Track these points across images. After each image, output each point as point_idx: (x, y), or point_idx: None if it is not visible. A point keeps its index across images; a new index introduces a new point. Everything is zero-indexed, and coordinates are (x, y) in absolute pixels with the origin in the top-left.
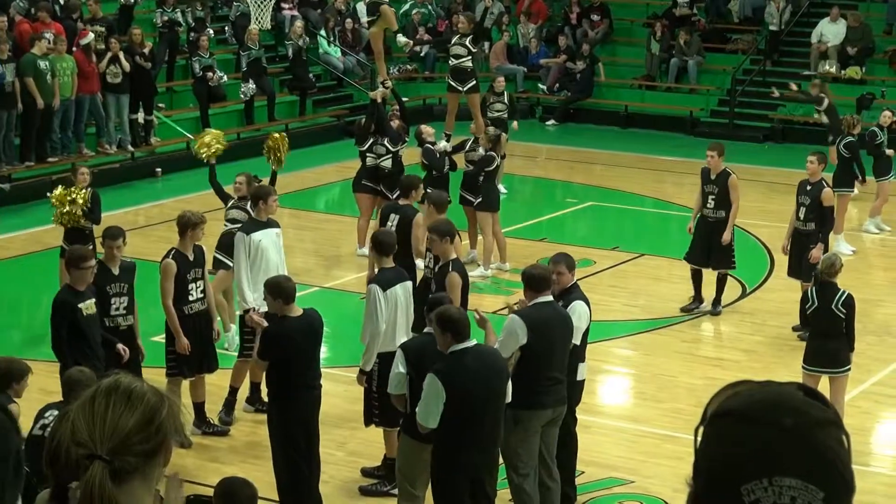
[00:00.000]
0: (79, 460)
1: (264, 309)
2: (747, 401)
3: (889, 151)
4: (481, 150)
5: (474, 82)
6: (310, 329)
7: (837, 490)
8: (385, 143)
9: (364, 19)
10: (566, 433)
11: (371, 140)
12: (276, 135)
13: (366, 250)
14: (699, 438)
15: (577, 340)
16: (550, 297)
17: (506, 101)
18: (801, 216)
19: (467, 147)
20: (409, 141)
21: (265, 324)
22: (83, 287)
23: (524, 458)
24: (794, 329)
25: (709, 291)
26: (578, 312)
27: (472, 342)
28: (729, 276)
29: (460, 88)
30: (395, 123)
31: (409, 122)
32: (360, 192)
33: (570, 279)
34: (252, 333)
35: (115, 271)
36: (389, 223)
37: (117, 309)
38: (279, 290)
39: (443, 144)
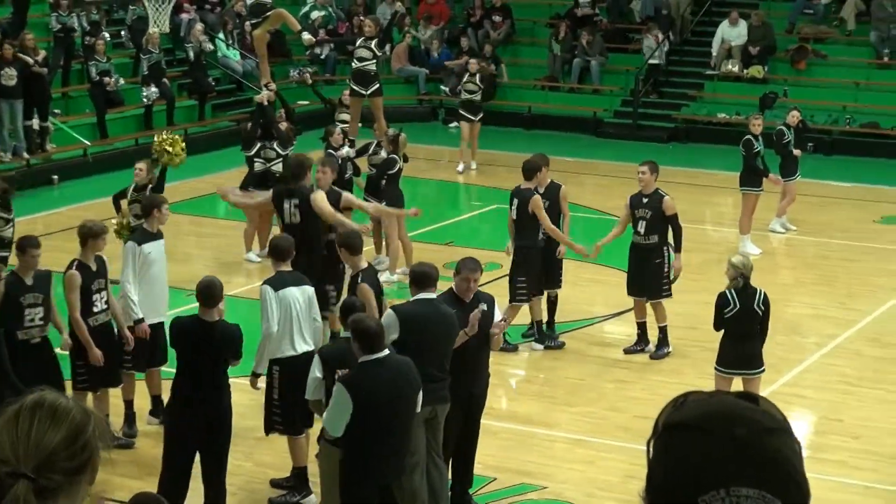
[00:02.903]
0: (2, 478)
1: (156, 319)
2: (698, 412)
3: (796, 151)
4: (383, 153)
5: (378, 85)
6: (225, 334)
7: (793, 498)
8: (275, 146)
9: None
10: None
11: (258, 145)
12: (157, 138)
13: (253, 255)
14: (651, 451)
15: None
16: (433, 295)
17: (478, 81)
18: (642, 230)
19: (370, 150)
20: (296, 144)
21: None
22: None
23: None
24: (626, 351)
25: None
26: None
27: (385, 352)
28: None
29: (363, 92)
30: (283, 126)
31: (296, 123)
32: None
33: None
34: (135, 346)
35: (29, 281)
36: (287, 206)
37: (31, 321)
38: (206, 292)
39: (346, 150)
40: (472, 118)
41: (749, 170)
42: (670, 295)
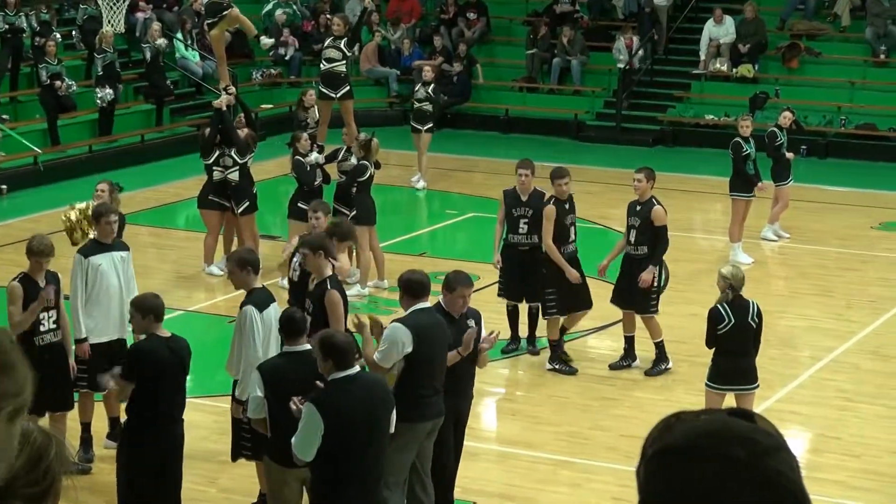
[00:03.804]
0: None
1: (108, 337)
2: (692, 434)
3: (789, 155)
4: (353, 160)
5: (348, 88)
6: (178, 352)
7: None
8: (232, 154)
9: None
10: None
11: (217, 152)
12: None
13: (214, 268)
14: (643, 478)
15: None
16: (428, 304)
17: (430, 92)
18: (632, 239)
19: (340, 156)
20: (256, 152)
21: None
22: None
23: (395, 471)
24: (612, 367)
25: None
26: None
27: (356, 369)
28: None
29: (333, 95)
30: (242, 132)
31: (257, 130)
32: (207, 209)
33: None
34: (86, 364)
35: None
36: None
37: None
38: (147, 306)
39: (314, 156)
40: (420, 128)
41: (738, 174)
42: (656, 311)
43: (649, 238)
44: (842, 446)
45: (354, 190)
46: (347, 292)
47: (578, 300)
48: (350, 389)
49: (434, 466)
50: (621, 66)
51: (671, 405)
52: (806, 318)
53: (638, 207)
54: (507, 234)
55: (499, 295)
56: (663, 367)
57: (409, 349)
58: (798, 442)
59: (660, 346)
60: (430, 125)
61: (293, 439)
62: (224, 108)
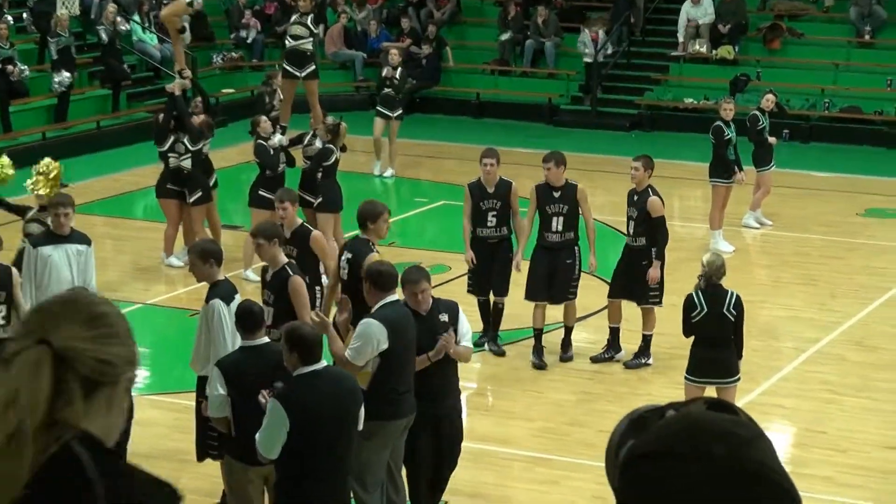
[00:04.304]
0: (29, 347)
1: None
2: (665, 435)
3: (772, 140)
4: (318, 143)
5: (313, 67)
6: None
7: None
8: (185, 141)
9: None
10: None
11: (172, 139)
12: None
13: (174, 260)
14: (619, 485)
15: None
16: (396, 296)
17: (397, 77)
18: (631, 231)
19: (305, 141)
20: (213, 138)
21: None
22: None
23: (374, 471)
24: (594, 360)
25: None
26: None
27: (322, 364)
28: (602, 280)
29: (298, 74)
30: (199, 119)
31: (217, 115)
32: (165, 199)
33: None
34: None
35: None
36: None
37: None
38: None
39: (277, 139)
40: (389, 114)
41: (719, 160)
42: (660, 303)
43: (647, 229)
44: (828, 441)
45: (320, 175)
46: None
47: (537, 289)
48: (316, 384)
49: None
50: (587, 59)
51: (651, 399)
52: (789, 307)
53: (635, 197)
54: (474, 228)
55: (468, 291)
56: (644, 360)
57: (385, 345)
58: (783, 437)
59: (646, 340)
60: (401, 111)
61: (257, 436)
62: (178, 94)
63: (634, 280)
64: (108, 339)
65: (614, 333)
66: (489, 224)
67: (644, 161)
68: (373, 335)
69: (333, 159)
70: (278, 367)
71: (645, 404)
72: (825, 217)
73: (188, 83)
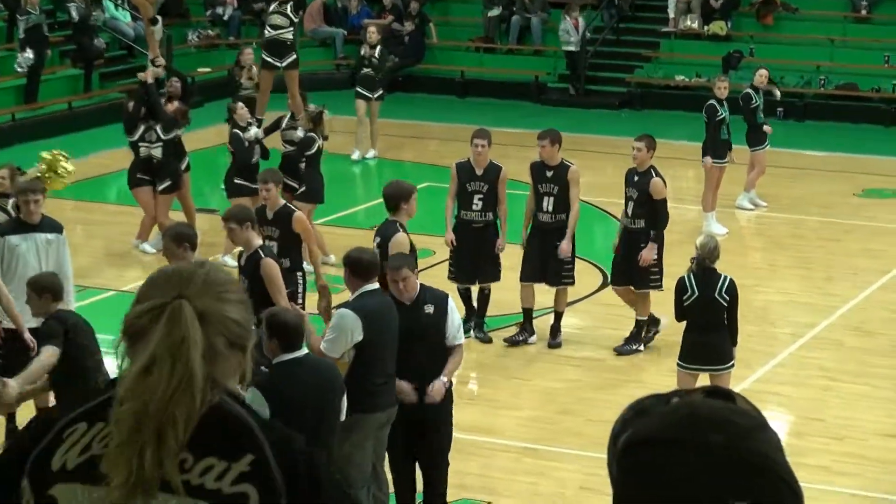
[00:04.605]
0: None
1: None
2: (664, 422)
3: (766, 128)
4: (300, 132)
5: (294, 56)
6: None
7: (785, 501)
8: (157, 129)
9: None
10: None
11: (142, 128)
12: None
13: (147, 246)
14: (616, 474)
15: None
16: (376, 285)
17: (376, 54)
18: (630, 212)
19: (283, 125)
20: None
21: None
22: None
23: (357, 466)
24: (619, 352)
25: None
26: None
27: (304, 352)
28: (590, 264)
29: (278, 64)
30: (173, 106)
31: (193, 95)
32: (138, 188)
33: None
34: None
35: None
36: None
37: None
38: (43, 286)
39: (254, 131)
40: (369, 95)
41: (712, 140)
42: (660, 287)
43: (648, 211)
44: (825, 429)
45: (303, 164)
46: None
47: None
48: (297, 373)
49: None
50: (571, 48)
51: (642, 387)
52: (784, 292)
53: (636, 178)
54: (458, 210)
55: (449, 278)
56: (635, 347)
57: (360, 337)
58: (779, 425)
59: (639, 326)
60: (381, 92)
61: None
62: (150, 82)
63: (633, 264)
64: (237, 304)
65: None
66: (474, 207)
67: (647, 141)
68: (346, 326)
69: (316, 148)
70: (261, 357)
71: (649, 393)
72: (821, 198)
73: (161, 71)
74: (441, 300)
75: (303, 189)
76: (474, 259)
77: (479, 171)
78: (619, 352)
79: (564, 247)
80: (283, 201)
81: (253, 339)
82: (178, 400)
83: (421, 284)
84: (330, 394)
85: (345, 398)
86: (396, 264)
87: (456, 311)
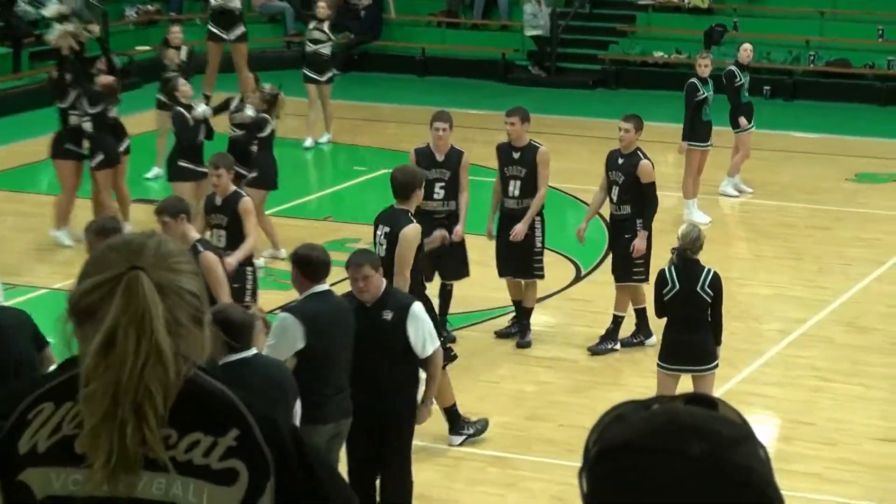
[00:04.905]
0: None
1: None
2: (640, 428)
3: (743, 121)
4: (249, 111)
5: (242, 29)
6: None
7: None
8: (84, 101)
9: None
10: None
11: (73, 94)
12: None
13: (62, 236)
14: (585, 485)
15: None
16: (327, 286)
17: (326, 29)
18: (615, 197)
19: (232, 107)
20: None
21: None
22: None
23: None
24: (623, 343)
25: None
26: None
27: (252, 352)
28: (562, 256)
29: (225, 36)
30: (104, 79)
31: (130, 76)
32: (62, 159)
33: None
34: None
35: None
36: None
37: None
38: None
39: (201, 109)
40: (318, 78)
41: (692, 121)
42: (645, 279)
43: (634, 196)
44: (815, 433)
45: (255, 147)
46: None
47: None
48: (244, 374)
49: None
50: (538, 32)
51: (620, 390)
52: (772, 285)
53: (621, 160)
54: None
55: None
56: (610, 346)
57: (302, 345)
58: (766, 429)
59: (616, 322)
60: (331, 74)
61: None
62: (66, 53)
63: (617, 254)
64: (191, 275)
65: (640, 315)
66: (436, 196)
67: (635, 121)
68: (286, 332)
69: (269, 130)
70: None
71: (627, 399)
72: (811, 183)
73: (71, 34)
74: (402, 307)
75: (254, 174)
76: (435, 254)
77: (439, 157)
78: (594, 351)
79: (518, 228)
80: (233, 188)
81: (209, 314)
82: (149, 374)
83: (388, 287)
84: (280, 397)
85: (298, 402)
86: (358, 261)
87: (422, 319)
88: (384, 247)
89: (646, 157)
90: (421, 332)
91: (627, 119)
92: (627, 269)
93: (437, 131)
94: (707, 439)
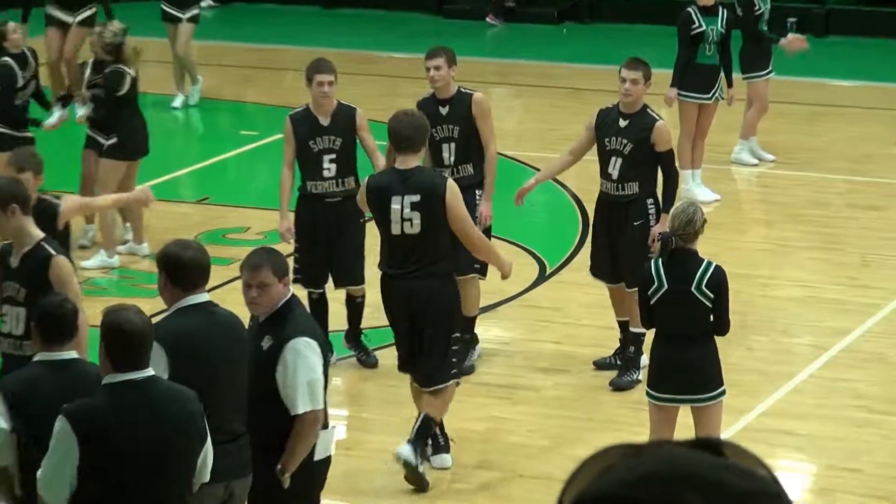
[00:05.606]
0: None
1: None
2: (629, 477)
3: (783, 41)
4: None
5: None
6: None
7: None
8: None
9: None
10: None
11: None
12: None
13: None
14: None
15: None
16: (206, 296)
17: None
18: (614, 173)
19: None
20: None
21: None
22: None
23: None
24: (598, 365)
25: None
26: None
27: (147, 373)
28: (519, 248)
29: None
30: None
31: None
32: None
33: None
34: None
35: None
36: None
37: None
38: None
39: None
40: (178, 15)
41: (687, 65)
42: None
43: (643, 171)
44: (863, 483)
45: (118, 107)
46: (89, 264)
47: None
48: (129, 399)
49: None
50: None
51: (601, 430)
52: (802, 284)
53: (624, 123)
54: (302, 182)
55: (295, 281)
56: (635, 377)
57: (165, 374)
58: (795, 478)
59: (637, 341)
60: (195, 11)
61: (38, 473)
62: None
63: (625, 250)
64: None
65: (624, 331)
66: (325, 174)
67: (644, 69)
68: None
69: (128, 83)
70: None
71: (616, 442)
72: (851, 148)
73: None
74: (285, 336)
75: (115, 140)
76: (331, 250)
77: (324, 121)
78: (617, 386)
79: (485, 211)
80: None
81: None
82: None
83: (290, 303)
84: (176, 429)
85: (209, 440)
86: (256, 262)
87: (304, 357)
88: (416, 222)
89: (659, 116)
90: (292, 379)
91: (633, 66)
92: (642, 265)
93: (321, 86)
94: (705, 493)
